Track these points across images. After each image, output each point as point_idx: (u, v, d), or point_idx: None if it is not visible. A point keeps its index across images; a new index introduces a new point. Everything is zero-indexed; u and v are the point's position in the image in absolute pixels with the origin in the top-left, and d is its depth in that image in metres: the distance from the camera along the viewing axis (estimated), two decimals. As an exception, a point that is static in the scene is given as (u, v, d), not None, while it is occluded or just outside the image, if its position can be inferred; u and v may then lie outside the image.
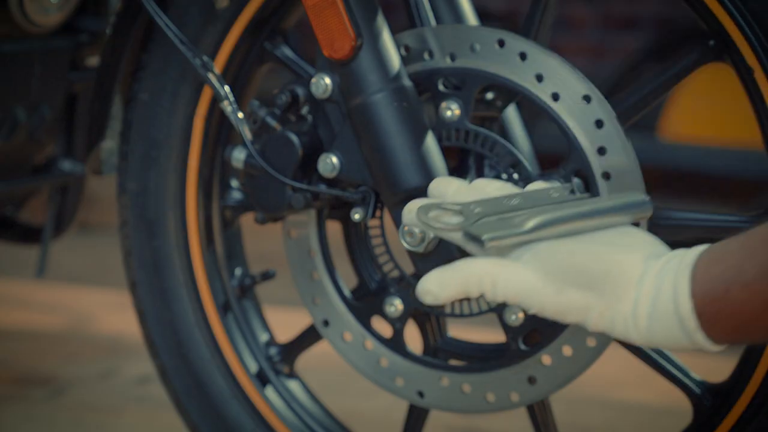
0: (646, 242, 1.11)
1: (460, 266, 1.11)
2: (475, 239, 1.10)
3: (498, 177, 1.38)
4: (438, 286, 1.12)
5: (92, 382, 2.21)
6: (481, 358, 1.41)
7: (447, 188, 1.25)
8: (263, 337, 1.56)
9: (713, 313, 1.02)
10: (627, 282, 1.06)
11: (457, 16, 1.46)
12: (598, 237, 1.11)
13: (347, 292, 1.46)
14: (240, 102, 1.48)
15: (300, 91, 1.40)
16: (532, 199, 1.18)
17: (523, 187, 1.25)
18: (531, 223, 1.11)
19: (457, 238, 1.16)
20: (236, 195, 1.53)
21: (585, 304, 1.08)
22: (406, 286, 1.42)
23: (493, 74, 1.33)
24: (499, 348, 1.40)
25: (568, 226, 1.12)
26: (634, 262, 1.07)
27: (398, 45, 1.36)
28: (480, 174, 1.39)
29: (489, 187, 1.23)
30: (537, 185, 1.24)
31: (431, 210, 1.17)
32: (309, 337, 1.53)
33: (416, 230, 1.28)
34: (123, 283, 1.62)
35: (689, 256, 1.06)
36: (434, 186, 1.26)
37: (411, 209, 1.22)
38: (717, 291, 1.02)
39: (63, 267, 2.96)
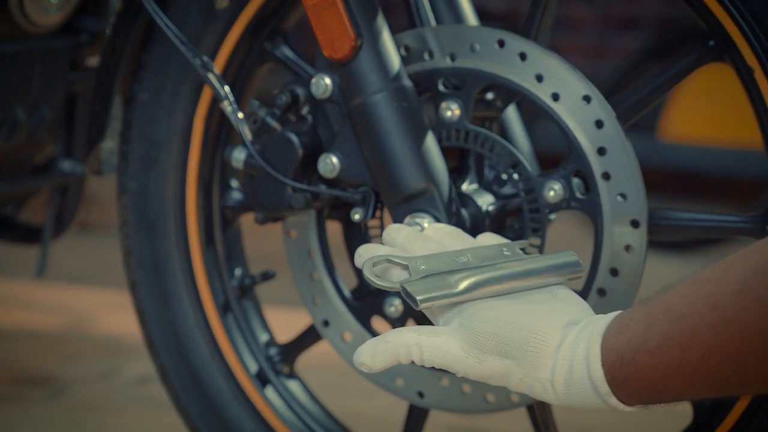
0: (569, 307, 1.16)
1: (390, 338, 1.17)
2: (411, 298, 1.16)
3: (498, 177, 1.38)
4: (370, 358, 1.18)
5: (92, 382, 2.21)
6: (481, 358, 1.41)
7: (396, 236, 1.28)
8: (263, 338, 1.56)
9: (623, 378, 1.08)
10: (544, 351, 1.11)
11: (457, 16, 1.46)
12: (524, 302, 1.16)
13: (347, 292, 1.46)
14: (240, 102, 1.48)
15: (300, 91, 1.40)
16: (481, 256, 1.22)
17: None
18: (464, 284, 1.17)
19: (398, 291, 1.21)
20: (236, 195, 1.53)
21: (505, 371, 1.13)
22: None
23: (493, 74, 1.33)
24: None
25: (501, 287, 1.17)
26: (551, 330, 1.12)
27: (398, 45, 1.36)
28: (480, 174, 1.39)
29: (439, 235, 1.28)
30: (489, 238, 1.28)
31: (379, 262, 1.22)
32: (309, 337, 1.53)
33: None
34: (123, 283, 1.62)
35: (600, 324, 1.11)
36: (386, 233, 1.30)
37: (361, 255, 1.26)
38: (624, 358, 1.07)
39: (63, 267, 2.96)
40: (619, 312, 1.11)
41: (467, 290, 1.16)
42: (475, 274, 1.17)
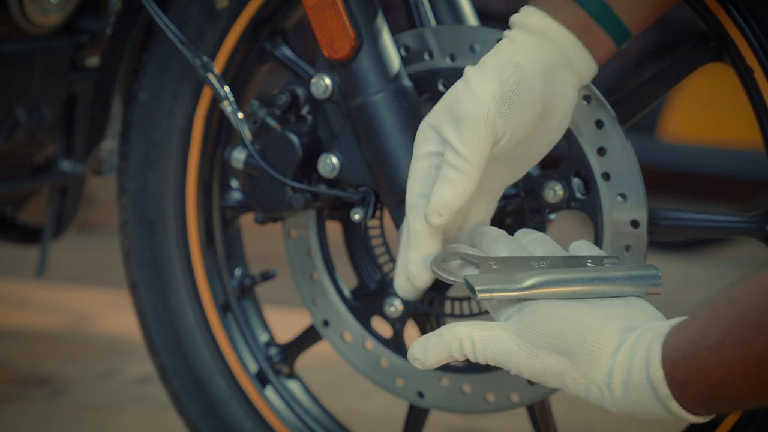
0: (637, 314, 1.11)
1: (443, 332, 1.14)
2: (471, 289, 1.13)
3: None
4: (422, 353, 1.14)
5: (92, 382, 2.21)
6: (481, 359, 1.41)
7: (483, 238, 1.24)
8: (263, 338, 1.56)
9: (683, 378, 1.03)
10: (601, 352, 1.07)
11: (457, 16, 1.46)
12: (588, 305, 1.12)
13: (347, 293, 1.46)
14: (240, 102, 1.48)
15: (300, 92, 1.40)
16: (563, 264, 1.18)
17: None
18: (528, 282, 1.13)
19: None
20: (236, 195, 1.53)
21: (558, 369, 1.09)
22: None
23: (493, 74, 1.33)
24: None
25: (568, 289, 1.13)
26: (611, 332, 1.08)
27: (398, 45, 1.36)
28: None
29: (526, 239, 1.23)
30: (581, 247, 1.23)
31: (450, 259, 1.19)
32: (309, 337, 1.53)
33: None
34: (123, 283, 1.62)
35: (664, 325, 1.06)
36: (475, 234, 1.25)
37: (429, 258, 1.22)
38: (685, 356, 1.02)
39: (63, 267, 2.96)
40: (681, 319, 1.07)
41: (531, 287, 1.12)
42: (542, 273, 1.13)
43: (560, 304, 1.11)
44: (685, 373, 1.02)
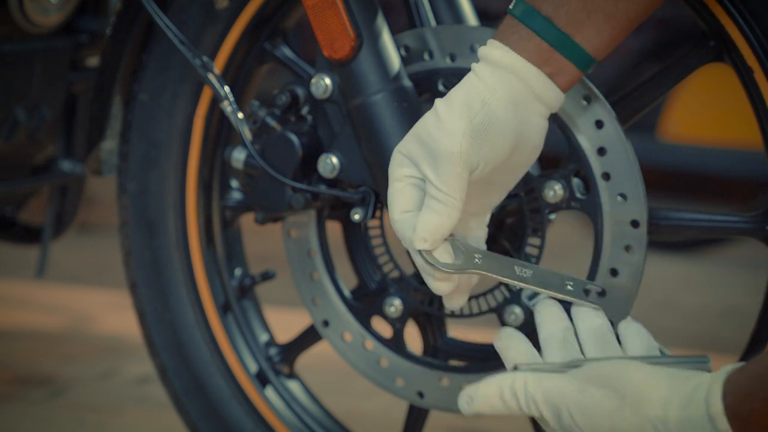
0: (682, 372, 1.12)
1: (492, 377, 1.17)
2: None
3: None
4: (468, 401, 1.18)
5: (92, 382, 2.21)
6: (481, 359, 1.41)
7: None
8: (263, 338, 1.56)
9: (746, 412, 1.03)
10: (650, 386, 1.08)
11: (457, 16, 1.46)
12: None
13: (347, 293, 1.46)
14: (240, 102, 1.48)
15: (300, 92, 1.40)
16: (542, 278, 1.23)
17: None
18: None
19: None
20: (236, 195, 1.53)
21: (610, 406, 1.10)
22: (406, 286, 1.42)
23: (493, 74, 1.33)
24: (499, 348, 1.40)
25: None
26: (656, 374, 1.10)
27: (398, 45, 1.36)
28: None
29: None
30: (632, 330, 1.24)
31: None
32: (309, 337, 1.53)
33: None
34: (123, 283, 1.62)
35: (720, 371, 1.07)
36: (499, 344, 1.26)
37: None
38: (748, 389, 1.02)
39: (63, 267, 2.96)
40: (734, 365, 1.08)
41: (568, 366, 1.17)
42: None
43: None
44: (747, 407, 1.02)
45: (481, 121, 1.17)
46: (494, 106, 1.17)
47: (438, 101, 1.19)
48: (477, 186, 1.21)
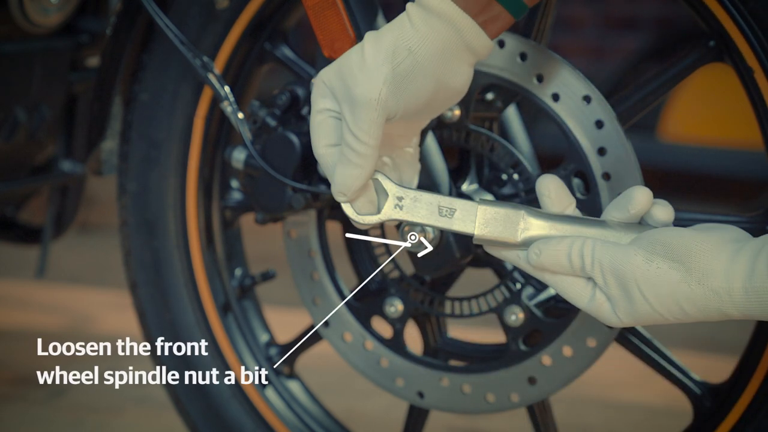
0: (733, 233, 1.14)
1: (564, 237, 1.16)
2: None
3: (498, 177, 1.38)
4: (538, 252, 1.17)
5: (92, 383, 2.20)
6: (481, 359, 1.41)
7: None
8: (263, 338, 1.56)
9: None
10: (713, 258, 1.10)
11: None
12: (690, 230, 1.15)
13: (347, 293, 1.46)
14: (240, 102, 1.48)
15: (300, 92, 1.40)
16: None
17: None
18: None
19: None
20: (236, 195, 1.53)
21: (676, 277, 1.11)
22: (406, 286, 1.42)
23: (494, 75, 1.33)
24: (499, 348, 1.40)
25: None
26: (718, 241, 1.11)
27: (398, 45, 1.36)
28: (480, 174, 1.39)
29: None
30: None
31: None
32: (309, 337, 1.53)
33: (415, 231, 1.29)
34: (123, 283, 1.62)
35: None
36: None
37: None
38: None
39: (63, 267, 2.96)
40: None
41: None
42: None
43: (660, 227, 1.15)
44: None
45: (404, 69, 1.17)
46: (420, 55, 1.17)
47: (368, 35, 1.19)
48: (396, 123, 1.22)
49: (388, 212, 1.22)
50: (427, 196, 1.22)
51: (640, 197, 1.17)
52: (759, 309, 1.09)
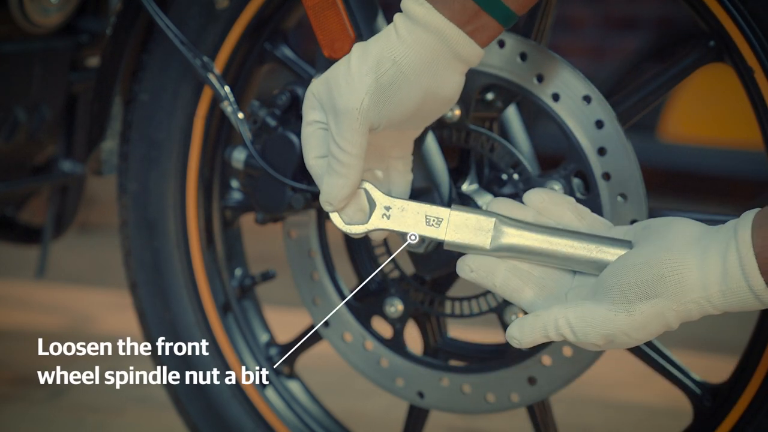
0: (684, 229, 1.14)
1: (540, 313, 1.16)
2: None
3: (498, 177, 1.38)
4: (519, 332, 1.16)
5: (92, 383, 2.20)
6: (481, 359, 1.41)
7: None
8: (263, 338, 1.56)
9: None
10: (684, 276, 1.10)
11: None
12: (640, 247, 1.14)
13: (347, 293, 1.46)
14: (240, 102, 1.48)
15: (300, 92, 1.40)
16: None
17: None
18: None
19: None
20: (236, 195, 1.53)
21: (658, 311, 1.12)
22: (406, 286, 1.42)
23: (494, 75, 1.33)
24: (499, 348, 1.40)
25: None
26: (680, 256, 1.11)
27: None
28: (480, 174, 1.39)
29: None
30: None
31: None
32: (309, 337, 1.53)
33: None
34: (123, 283, 1.62)
35: (742, 224, 1.09)
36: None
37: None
38: None
39: (63, 267, 2.96)
40: (754, 210, 1.11)
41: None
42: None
43: (621, 258, 1.14)
44: None
45: (388, 80, 1.18)
46: (405, 65, 1.17)
47: (355, 47, 1.20)
48: (385, 133, 1.22)
49: (375, 222, 1.22)
50: (414, 206, 1.22)
51: (532, 199, 1.20)
52: (738, 305, 1.10)
